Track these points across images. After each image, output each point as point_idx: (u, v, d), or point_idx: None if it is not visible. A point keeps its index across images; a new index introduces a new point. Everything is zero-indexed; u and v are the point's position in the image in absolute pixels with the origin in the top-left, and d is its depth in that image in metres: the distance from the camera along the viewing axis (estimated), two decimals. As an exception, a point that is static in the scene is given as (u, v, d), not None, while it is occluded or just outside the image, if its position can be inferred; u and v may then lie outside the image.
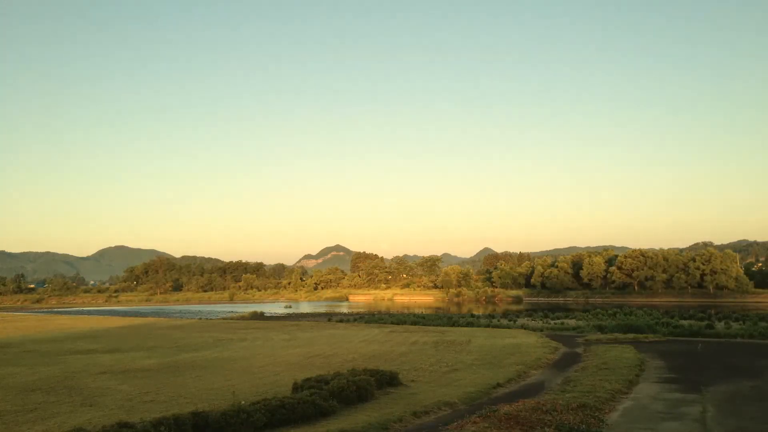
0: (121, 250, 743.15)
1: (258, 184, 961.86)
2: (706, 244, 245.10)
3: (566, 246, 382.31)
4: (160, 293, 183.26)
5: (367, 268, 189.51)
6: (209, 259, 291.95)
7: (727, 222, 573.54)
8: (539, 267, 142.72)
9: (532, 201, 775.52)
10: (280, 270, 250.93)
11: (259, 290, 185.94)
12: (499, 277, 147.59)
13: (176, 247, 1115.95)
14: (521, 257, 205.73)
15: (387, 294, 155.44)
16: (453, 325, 50.67)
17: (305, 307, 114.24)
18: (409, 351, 31.72)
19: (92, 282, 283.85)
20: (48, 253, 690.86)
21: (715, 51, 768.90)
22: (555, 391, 19.73)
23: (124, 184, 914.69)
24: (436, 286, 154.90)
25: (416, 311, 68.04)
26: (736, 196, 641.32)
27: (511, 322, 51.80)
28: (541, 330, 44.52)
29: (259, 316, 73.39)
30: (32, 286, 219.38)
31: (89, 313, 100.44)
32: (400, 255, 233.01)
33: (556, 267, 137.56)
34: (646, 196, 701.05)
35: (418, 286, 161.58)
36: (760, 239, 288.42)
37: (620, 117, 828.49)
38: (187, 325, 55.97)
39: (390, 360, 27.98)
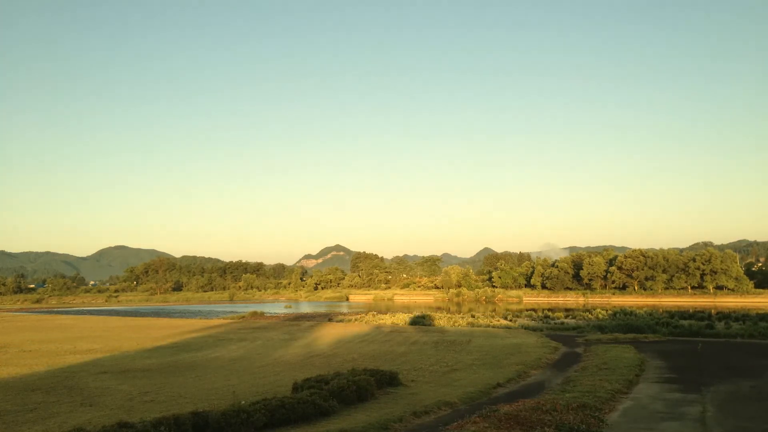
0: (121, 250, 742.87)
1: (258, 184, 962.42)
2: (706, 244, 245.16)
3: (566, 246, 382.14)
4: (160, 293, 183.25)
5: (367, 268, 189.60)
6: (209, 259, 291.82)
7: (727, 222, 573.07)
8: (539, 267, 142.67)
9: (532, 201, 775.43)
10: (280, 270, 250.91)
11: (259, 290, 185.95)
12: (499, 277, 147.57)
13: (176, 247, 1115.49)
14: (521, 257, 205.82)
15: (387, 294, 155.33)
16: (453, 325, 50.66)
17: (305, 307, 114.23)
18: (409, 351, 31.74)
19: (92, 282, 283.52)
20: (48, 253, 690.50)
21: (715, 50, 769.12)
22: (555, 391, 19.74)
23: (124, 184, 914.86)
24: (436, 287, 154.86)
25: (416, 312, 68.01)
26: (736, 196, 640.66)
27: (511, 322, 51.79)
28: (541, 330, 44.54)
29: (259, 316, 73.39)
30: (32, 286, 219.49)
31: (89, 313, 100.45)
32: (400, 255, 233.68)
33: (556, 267, 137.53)
34: (646, 196, 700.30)
35: (418, 286, 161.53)
36: (760, 239, 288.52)
37: (620, 117, 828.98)
38: (186, 325, 55.97)
39: (390, 360, 28.00)
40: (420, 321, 53.04)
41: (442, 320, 53.56)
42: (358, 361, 27.51)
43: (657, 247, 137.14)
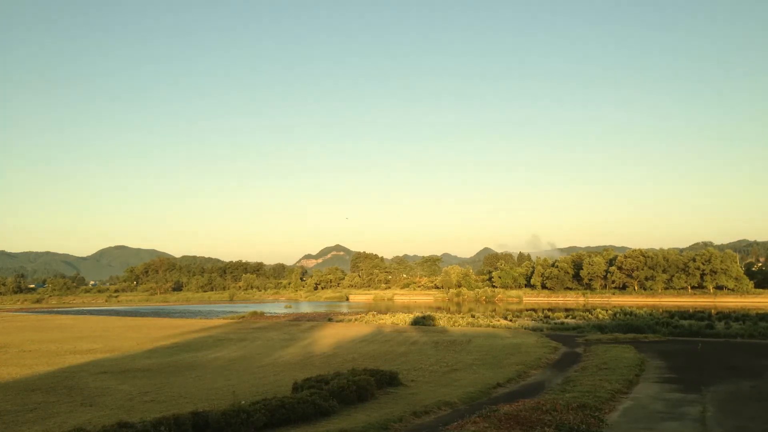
0: (121, 250, 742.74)
1: (258, 183, 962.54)
2: (706, 244, 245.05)
3: (566, 246, 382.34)
4: (160, 293, 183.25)
5: (367, 268, 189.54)
6: (209, 259, 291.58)
7: (727, 222, 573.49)
8: (539, 267, 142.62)
9: (532, 201, 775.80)
10: (280, 270, 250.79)
11: (259, 290, 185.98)
12: (499, 277, 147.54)
13: (176, 247, 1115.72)
14: (521, 257, 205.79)
15: (387, 294, 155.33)
16: (453, 325, 50.65)
17: (305, 307, 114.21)
18: (409, 351, 31.73)
19: (92, 282, 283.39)
20: (48, 253, 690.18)
21: (716, 50, 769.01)
22: (555, 391, 19.73)
23: (124, 184, 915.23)
24: (436, 287, 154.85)
25: (417, 311, 68.04)
26: (736, 196, 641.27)
27: (511, 322, 51.76)
28: (541, 330, 44.53)
29: (259, 316, 73.38)
30: (32, 286, 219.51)
31: (89, 313, 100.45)
32: (400, 255, 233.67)
33: (556, 267, 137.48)
34: (646, 196, 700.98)
35: (418, 286, 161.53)
36: (760, 239, 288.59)
37: (620, 117, 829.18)
38: (186, 325, 55.97)
39: (390, 360, 28.00)
40: (422, 321, 52.77)
41: (442, 320, 53.51)
42: (358, 361, 27.50)
43: (657, 247, 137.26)
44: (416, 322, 52.68)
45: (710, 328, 41.28)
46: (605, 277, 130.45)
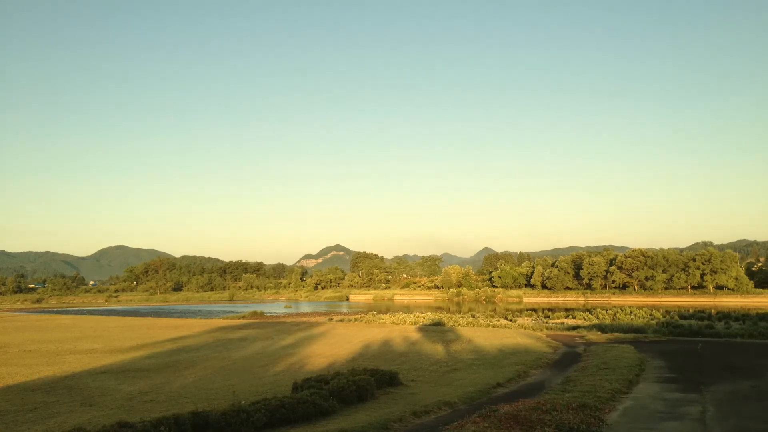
0: (121, 250, 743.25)
1: (258, 183, 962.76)
2: (706, 244, 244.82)
3: (566, 246, 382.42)
4: (160, 293, 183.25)
5: (367, 268, 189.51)
6: (209, 259, 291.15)
7: (727, 222, 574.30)
8: (539, 267, 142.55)
9: (532, 201, 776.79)
10: (280, 270, 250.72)
11: (259, 290, 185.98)
12: (499, 277, 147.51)
13: (176, 247, 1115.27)
14: (521, 257, 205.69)
15: (387, 294, 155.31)
16: (453, 325, 50.59)
17: (305, 307, 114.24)
18: (409, 351, 31.73)
19: (92, 282, 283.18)
20: (48, 253, 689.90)
21: (716, 50, 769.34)
22: (555, 390, 19.72)
23: (124, 184, 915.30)
24: (436, 286, 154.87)
25: (417, 312, 68.07)
26: (736, 196, 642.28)
27: (511, 322, 51.75)
28: (541, 330, 44.53)
29: (259, 316, 73.38)
30: (32, 286, 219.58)
31: (89, 312, 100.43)
32: (400, 255, 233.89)
33: (556, 267, 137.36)
34: (646, 196, 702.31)
35: (418, 286, 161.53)
36: (760, 239, 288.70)
37: (620, 116, 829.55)
38: (186, 325, 55.96)
39: (390, 360, 27.99)
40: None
41: (443, 321, 53.42)
42: (358, 360, 27.51)
43: (657, 247, 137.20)
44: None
45: (710, 328, 41.25)
46: (605, 277, 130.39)
